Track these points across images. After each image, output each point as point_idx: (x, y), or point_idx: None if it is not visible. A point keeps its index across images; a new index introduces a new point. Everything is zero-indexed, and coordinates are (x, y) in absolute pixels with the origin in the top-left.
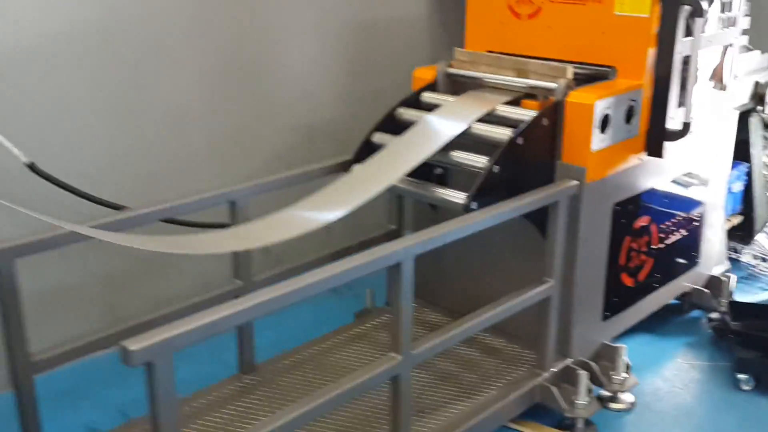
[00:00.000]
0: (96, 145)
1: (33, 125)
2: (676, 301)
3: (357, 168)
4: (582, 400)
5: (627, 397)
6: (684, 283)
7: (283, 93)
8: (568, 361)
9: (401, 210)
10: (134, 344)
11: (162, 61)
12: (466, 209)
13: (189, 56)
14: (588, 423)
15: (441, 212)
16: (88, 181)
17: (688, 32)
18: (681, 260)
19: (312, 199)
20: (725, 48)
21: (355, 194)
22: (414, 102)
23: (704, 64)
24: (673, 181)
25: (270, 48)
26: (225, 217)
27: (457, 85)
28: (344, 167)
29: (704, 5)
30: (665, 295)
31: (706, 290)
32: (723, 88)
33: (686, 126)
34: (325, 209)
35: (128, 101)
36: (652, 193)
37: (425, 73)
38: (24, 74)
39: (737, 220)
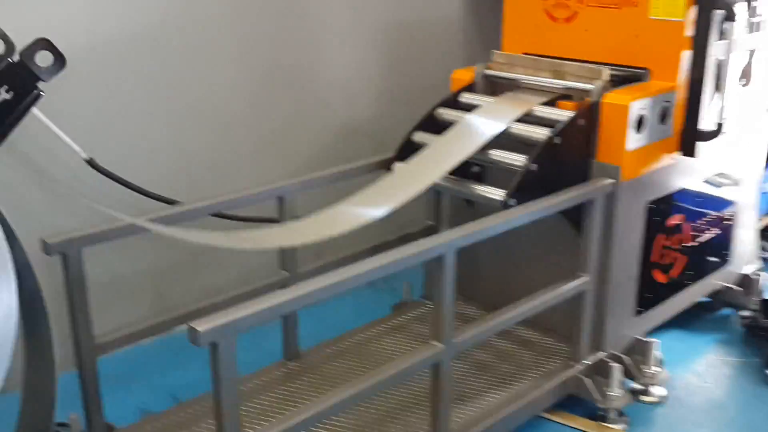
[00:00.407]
0: (150, 144)
1: (92, 124)
2: (707, 299)
3: (400, 166)
4: (614, 391)
5: (658, 391)
6: (716, 281)
7: (323, 94)
8: (601, 355)
9: (439, 206)
10: (202, 325)
11: (209, 65)
12: (504, 206)
13: (234, 60)
14: (620, 414)
15: (477, 209)
16: (142, 177)
17: (720, 35)
18: (713, 258)
19: (357, 196)
20: (751, 51)
21: (399, 192)
22: (453, 102)
23: (735, 67)
24: (706, 181)
25: (310, 50)
26: (273, 213)
27: (495, 87)
28: (386, 165)
29: (736, 9)
30: (697, 292)
31: (737, 288)
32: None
33: (719, 126)
34: (370, 207)
35: (179, 103)
36: (684, 192)
37: (464, 75)
38: (84, 76)
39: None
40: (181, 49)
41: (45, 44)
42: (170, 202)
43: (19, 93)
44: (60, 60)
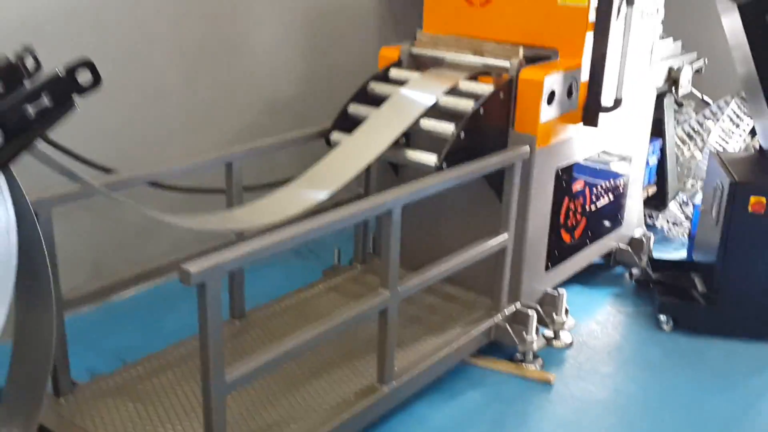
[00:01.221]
0: (84, 114)
1: None
2: (602, 261)
3: (345, 139)
4: (531, 336)
5: (567, 337)
6: (610, 242)
7: (249, 72)
8: (518, 305)
9: (368, 174)
10: (193, 267)
11: (145, 41)
12: (438, 169)
13: (169, 37)
14: (535, 356)
15: (402, 176)
16: (81, 145)
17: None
18: (608, 222)
19: (309, 175)
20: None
21: (347, 168)
22: (383, 77)
23: (632, 47)
24: (602, 155)
25: (239, 30)
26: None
27: (420, 64)
28: (323, 135)
29: None
30: (595, 251)
31: (628, 249)
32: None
33: (618, 101)
34: (320, 185)
35: (115, 77)
36: (586, 161)
37: (390, 53)
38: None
39: (652, 190)
40: (117, 25)
41: (88, 65)
42: (108, 170)
43: (58, 103)
44: (97, 80)
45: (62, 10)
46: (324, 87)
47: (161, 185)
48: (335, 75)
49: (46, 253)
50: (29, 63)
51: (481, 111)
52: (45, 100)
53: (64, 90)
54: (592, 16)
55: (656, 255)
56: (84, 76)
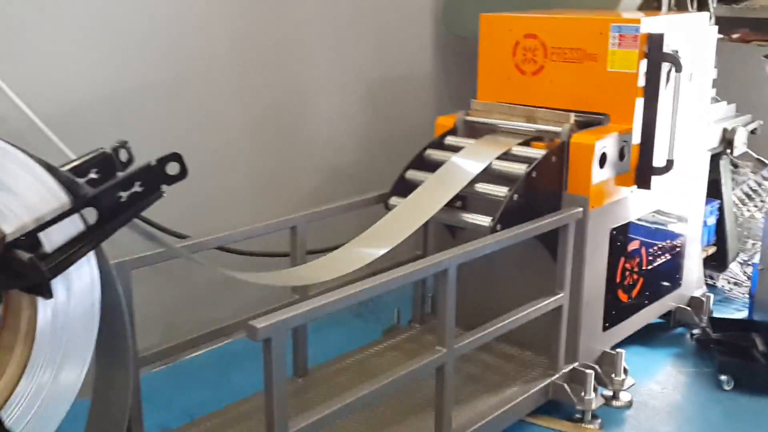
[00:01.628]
0: None
1: None
2: (662, 320)
3: (401, 202)
4: (589, 394)
5: (626, 396)
6: (669, 302)
7: (312, 139)
8: (576, 364)
9: (426, 236)
10: (260, 323)
11: (213, 112)
12: (491, 231)
13: (235, 107)
14: (594, 416)
15: (458, 238)
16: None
17: (667, 83)
18: (666, 281)
19: (366, 235)
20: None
21: (403, 228)
22: (439, 144)
23: (683, 112)
24: (658, 215)
25: (302, 100)
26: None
27: (474, 131)
28: (383, 200)
29: (682, 62)
30: (654, 310)
31: (688, 308)
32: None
33: (669, 162)
34: (379, 243)
35: (187, 147)
36: (641, 221)
37: (446, 121)
38: (108, 121)
39: (712, 250)
40: (190, 98)
41: (176, 157)
42: (181, 236)
43: (148, 190)
44: (184, 172)
45: (142, 84)
46: (383, 154)
47: (229, 249)
48: (394, 143)
49: (125, 312)
50: (123, 155)
51: (534, 174)
52: (136, 187)
53: (154, 179)
54: (641, 82)
55: (717, 315)
56: (173, 168)
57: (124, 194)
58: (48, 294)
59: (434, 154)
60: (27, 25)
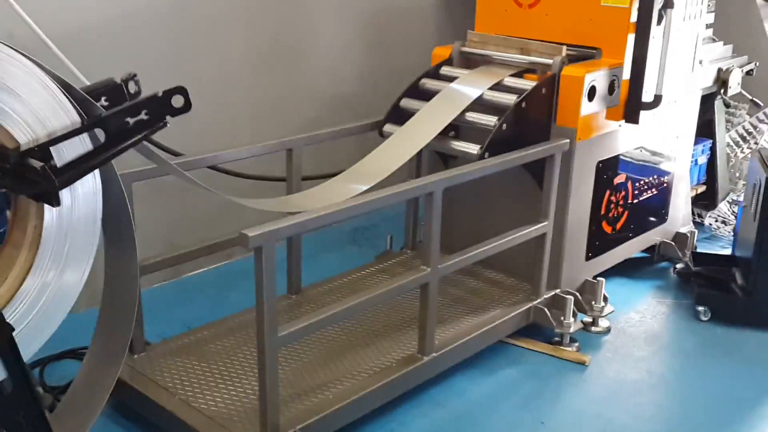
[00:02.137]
0: None
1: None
2: (646, 254)
3: (396, 131)
4: (568, 319)
5: (604, 323)
6: (654, 236)
7: (313, 68)
8: (557, 291)
9: (419, 163)
10: (251, 232)
11: (220, 38)
12: (480, 158)
13: (241, 35)
14: (572, 340)
15: (450, 166)
16: None
17: (659, 20)
18: (652, 216)
19: (361, 164)
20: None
21: (398, 155)
22: (434, 74)
23: (673, 48)
24: (645, 149)
25: (303, 31)
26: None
27: (470, 62)
28: (377, 126)
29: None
30: (638, 244)
31: (672, 243)
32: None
33: (657, 98)
34: (373, 172)
35: (191, 70)
36: (628, 155)
37: (443, 51)
38: (120, 42)
39: (701, 189)
40: (199, 23)
41: (182, 91)
42: (176, 153)
43: (153, 119)
44: (188, 106)
45: (149, 11)
46: (382, 85)
47: (226, 171)
48: (393, 74)
49: (131, 217)
50: (131, 87)
51: (524, 105)
52: (143, 115)
53: (160, 109)
54: (633, 17)
55: (700, 250)
56: (178, 101)
57: (131, 120)
58: (56, 202)
59: (429, 83)
60: None
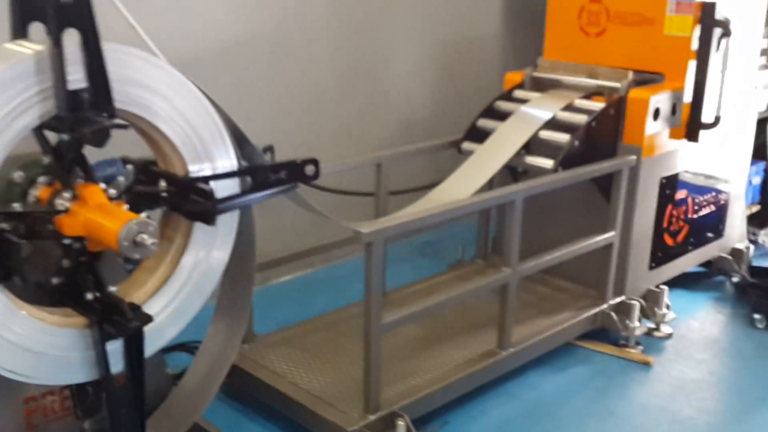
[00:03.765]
0: (256, 119)
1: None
2: (704, 269)
3: (478, 149)
4: (634, 322)
5: (666, 329)
6: (712, 250)
7: (390, 93)
8: (623, 297)
9: (492, 178)
10: (364, 228)
11: (306, 63)
12: (553, 172)
13: (324, 61)
14: (637, 343)
15: (519, 180)
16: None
17: (718, 48)
18: (709, 231)
19: (449, 181)
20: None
21: (484, 170)
22: (508, 97)
23: (733, 74)
24: (705, 168)
25: (381, 57)
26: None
27: (540, 86)
28: (455, 144)
29: (731, 27)
30: (697, 256)
31: (729, 257)
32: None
33: (717, 119)
34: (462, 185)
35: (282, 91)
36: (689, 174)
37: (515, 76)
38: (218, 66)
39: (756, 208)
40: (292, 52)
41: (314, 162)
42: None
43: (288, 178)
44: (317, 175)
45: (246, 38)
46: (453, 109)
47: (317, 186)
48: (462, 98)
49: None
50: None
51: (594, 124)
52: (282, 174)
53: (295, 173)
54: (694, 45)
55: (756, 264)
56: (310, 170)
57: (272, 176)
58: (212, 222)
59: (504, 105)
60: None
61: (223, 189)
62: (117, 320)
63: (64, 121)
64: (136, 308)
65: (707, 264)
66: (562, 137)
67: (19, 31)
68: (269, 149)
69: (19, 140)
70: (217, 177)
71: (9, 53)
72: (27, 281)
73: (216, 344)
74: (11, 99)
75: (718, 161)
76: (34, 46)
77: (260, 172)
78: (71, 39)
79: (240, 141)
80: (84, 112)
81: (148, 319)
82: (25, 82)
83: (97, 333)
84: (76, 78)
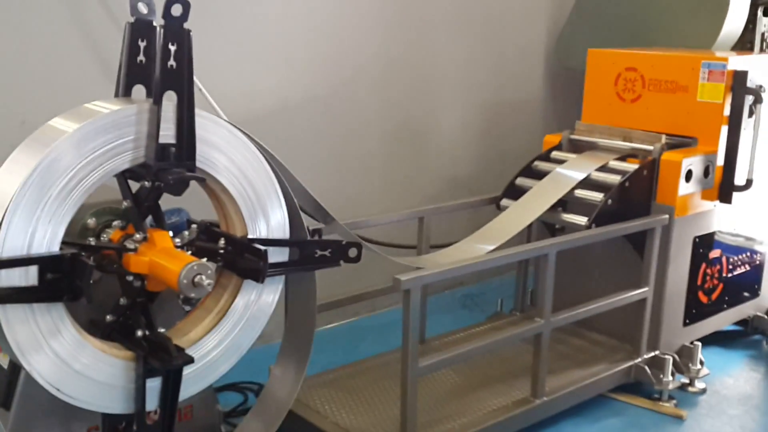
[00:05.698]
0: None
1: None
2: (740, 328)
3: (512, 204)
4: (667, 377)
5: (700, 384)
6: (747, 309)
7: (433, 151)
8: (657, 352)
9: (530, 233)
10: (403, 277)
11: (358, 123)
12: (587, 228)
13: (375, 120)
14: (670, 398)
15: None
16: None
17: (750, 114)
18: (745, 290)
19: (482, 231)
20: None
21: (514, 225)
22: (546, 158)
23: (765, 137)
24: (738, 228)
25: (426, 117)
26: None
27: (577, 147)
28: (491, 201)
29: (764, 95)
30: (732, 315)
31: (765, 317)
32: None
33: (749, 182)
34: (493, 237)
35: (335, 147)
36: (724, 234)
37: (553, 138)
38: (275, 126)
39: None
40: (341, 109)
41: (358, 246)
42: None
43: (332, 257)
44: (359, 258)
45: (303, 99)
46: (495, 168)
47: (364, 238)
48: (503, 157)
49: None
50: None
51: (627, 184)
52: (327, 252)
53: (339, 253)
54: (726, 111)
55: None
56: (353, 252)
57: (318, 252)
58: (261, 280)
59: (541, 164)
60: (226, 50)
61: (273, 253)
62: (162, 356)
63: (150, 170)
64: (180, 349)
65: (743, 322)
66: (596, 196)
67: (125, 92)
68: (317, 232)
69: (105, 180)
70: (270, 242)
71: (116, 104)
72: (92, 303)
73: (280, 386)
74: (112, 140)
75: (753, 222)
76: (137, 102)
77: (308, 246)
78: (168, 100)
79: (293, 215)
80: (168, 163)
81: (190, 359)
82: (125, 129)
83: (141, 366)
84: (167, 134)
